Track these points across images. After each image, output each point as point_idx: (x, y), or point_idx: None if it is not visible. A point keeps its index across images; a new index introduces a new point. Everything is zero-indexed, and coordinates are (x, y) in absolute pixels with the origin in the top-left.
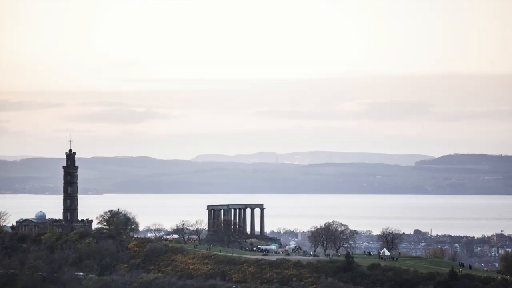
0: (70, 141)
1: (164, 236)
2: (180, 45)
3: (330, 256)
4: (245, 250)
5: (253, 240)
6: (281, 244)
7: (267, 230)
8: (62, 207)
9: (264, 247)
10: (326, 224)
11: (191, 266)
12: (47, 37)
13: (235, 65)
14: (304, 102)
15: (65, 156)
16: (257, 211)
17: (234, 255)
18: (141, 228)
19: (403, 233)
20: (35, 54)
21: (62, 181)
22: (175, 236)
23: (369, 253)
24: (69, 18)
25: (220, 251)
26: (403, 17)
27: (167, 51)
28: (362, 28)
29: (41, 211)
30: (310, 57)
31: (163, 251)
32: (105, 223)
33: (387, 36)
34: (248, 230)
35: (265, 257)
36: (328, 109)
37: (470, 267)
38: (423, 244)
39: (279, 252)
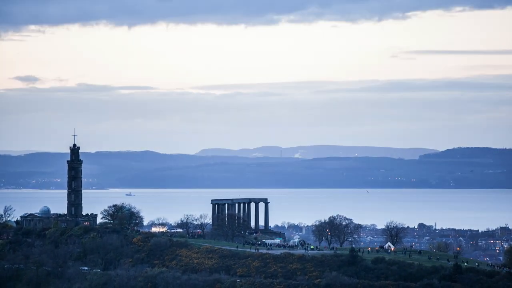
0: (74, 135)
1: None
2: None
3: (335, 250)
4: (248, 244)
5: (257, 234)
6: (285, 238)
7: (272, 224)
8: (66, 202)
9: (268, 241)
10: (330, 218)
11: (196, 261)
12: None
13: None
14: (308, 97)
15: (69, 151)
16: (261, 205)
17: (238, 249)
18: (145, 223)
19: (407, 226)
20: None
21: (67, 176)
22: (180, 230)
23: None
24: None
25: (237, 247)
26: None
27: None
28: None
29: (45, 206)
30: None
31: (168, 245)
32: (109, 218)
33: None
34: (253, 224)
35: (269, 251)
36: (332, 104)
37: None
38: (427, 237)
39: (279, 247)
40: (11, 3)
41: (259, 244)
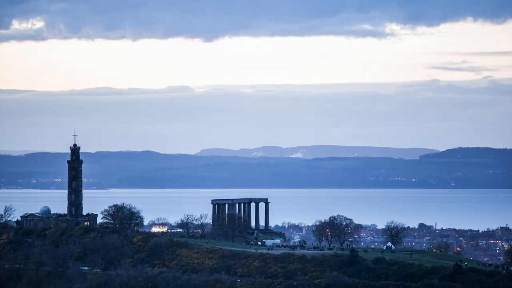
0: (75, 135)
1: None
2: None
3: (335, 251)
4: (250, 245)
5: (258, 234)
6: (285, 238)
7: (272, 224)
8: (67, 202)
9: (269, 241)
10: (331, 218)
11: (196, 261)
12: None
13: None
14: (308, 97)
15: (69, 151)
16: (262, 205)
17: (239, 249)
18: (145, 223)
19: (408, 227)
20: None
21: (67, 176)
22: (180, 230)
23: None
24: None
25: (252, 248)
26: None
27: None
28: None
29: (46, 206)
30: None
31: (168, 245)
32: (109, 218)
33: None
34: (253, 224)
35: (270, 251)
36: (332, 104)
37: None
38: (427, 238)
39: (275, 246)
40: None
41: (259, 245)
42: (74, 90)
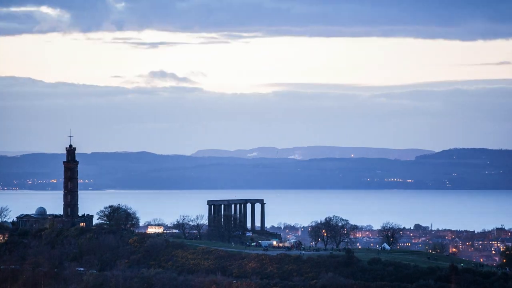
0: (71, 136)
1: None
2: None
3: (331, 251)
4: (246, 245)
5: (253, 235)
6: (281, 239)
7: (268, 225)
8: (62, 203)
9: (264, 242)
10: (327, 219)
11: (192, 262)
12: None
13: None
14: (303, 97)
15: (65, 152)
16: (258, 206)
17: (234, 250)
18: (141, 224)
19: (403, 227)
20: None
21: (63, 177)
22: (176, 231)
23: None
24: None
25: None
26: None
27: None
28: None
29: (41, 207)
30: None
31: (164, 246)
32: (105, 219)
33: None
34: (249, 225)
35: (266, 252)
36: (328, 104)
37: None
38: (423, 238)
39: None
40: None
41: (255, 245)
42: (70, 90)
